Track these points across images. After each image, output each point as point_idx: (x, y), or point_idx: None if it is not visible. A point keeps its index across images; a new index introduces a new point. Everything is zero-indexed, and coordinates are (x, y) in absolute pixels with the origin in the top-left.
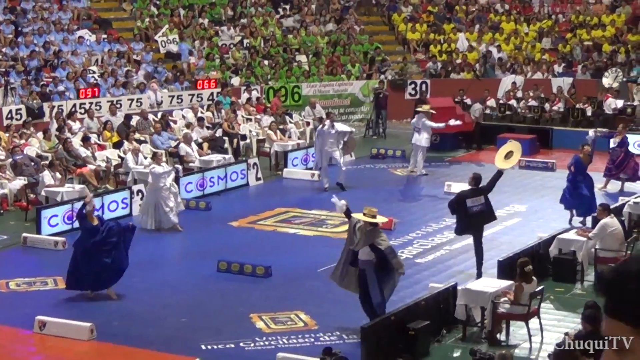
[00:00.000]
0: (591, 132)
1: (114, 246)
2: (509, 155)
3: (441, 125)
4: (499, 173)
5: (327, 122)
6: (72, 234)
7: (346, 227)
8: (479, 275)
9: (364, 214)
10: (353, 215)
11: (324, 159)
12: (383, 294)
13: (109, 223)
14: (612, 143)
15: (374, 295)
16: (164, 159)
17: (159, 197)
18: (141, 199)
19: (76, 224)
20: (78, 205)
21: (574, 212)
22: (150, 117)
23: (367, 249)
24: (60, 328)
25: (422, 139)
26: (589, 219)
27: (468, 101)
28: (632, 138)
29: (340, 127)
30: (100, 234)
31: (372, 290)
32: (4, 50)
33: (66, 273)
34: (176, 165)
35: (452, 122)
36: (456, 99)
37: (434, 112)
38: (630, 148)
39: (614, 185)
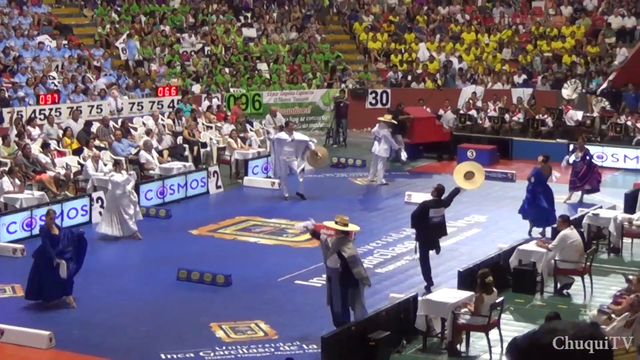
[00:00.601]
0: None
1: (72, 254)
2: (469, 175)
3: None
4: (457, 190)
5: (284, 131)
6: (31, 241)
7: (306, 236)
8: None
9: (336, 222)
10: (325, 223)
11: (283, 168)
12: (346, 304)
13: (65, 231)
14: (574, 157)
15: (336, 304)
16: (124, 166)
17: (119, 205)
18: (101, 206)
19: (35, 231)
20: (37, 212)
21: (532, 223)
22: (111, 124)
23: (335, 257)
24: (19, 336)
25: (382, 149)
26: (548, 230)
27: (440, 111)
28: (592, 149)
29: (298, 136)
30: (61, 242)
31: (334, 298)
32: None
33: (26, 282)
34: (130, 172)
35: (403, 155)
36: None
37: (395, 122)
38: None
39: (575, 197)
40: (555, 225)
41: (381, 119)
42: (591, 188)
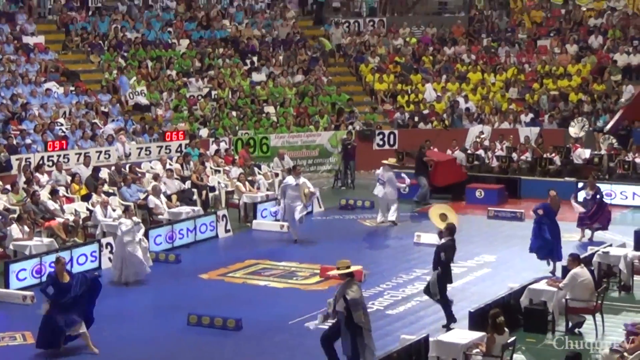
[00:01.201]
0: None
1: (85, 298)
2: (443, 217)
3: (403, 185)
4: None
5: (291, 176)
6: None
7: (316, 278)
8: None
9: (338, 269)
10: (329, 273)
11: (288, 212)
12: (356, 348)
13: (79, 276)
14: (585, 194)
15: (345, 347)
16: (134, 212)
17: (128, 251)
18: (110, 251)
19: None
20: (47, 259)
21: (537, 255)
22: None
23: (341, 301)
24: None
25: (388, 192)
26: (559, 268)
27: (448, 152)
28: (600, 187)
29: (303, 181)
30: (72, 289)
31: (343, 342)
32: None
33: (37, 331)
34: (134, 219)
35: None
36: (423, 150)
37: (398, 164)
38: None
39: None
40: (564, 263)
41: (385, 162)
42: (601, 226)
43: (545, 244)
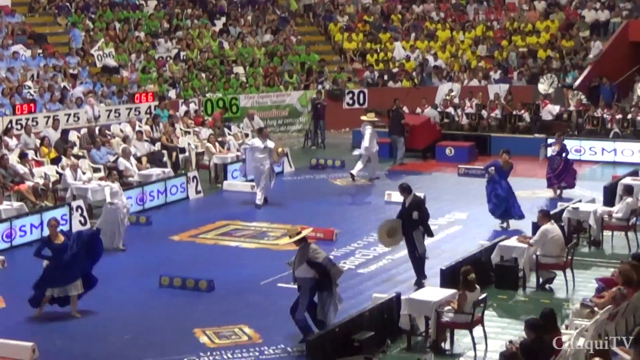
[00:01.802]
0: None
1: (84, 256)
2: (392, 232)
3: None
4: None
5: (258, 138)
6: (12, 251)
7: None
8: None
9: (289, 237)
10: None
11: (255, 175)
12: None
13: (73, 235)
14: (551, 151)
15: (300, 311)
16: (117, 176)
17: (119, 216)
18: (81, 214)
19: (16, 242)
20: (17, 223)
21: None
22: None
23: (304, 267)
24: (2, 348)
25: (369, 147)
26: (524, 225)
27: (418, 110)
28: (569, 143)
29: (271, 144)
30: (70, 248)
31: (301, 306)
32: None
33: (10, 293)
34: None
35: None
36: (393, 108)
37: (377, 119)
38: (570, 155)
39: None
40: (529, 219)
41: (364, 117)
42: (567, 185)
43: (499, 202)
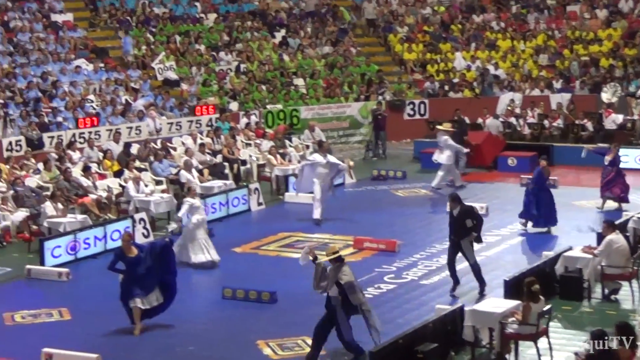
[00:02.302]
0: (584, 152)
1: (158, 268)
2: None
3: (465, 150)
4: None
5: (318, 153)
6: (76, 264)
7: (350, 249)
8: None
9: (326, 255)
10: (319, 255)
11: (318, 191)
12: (350, 332)
13: (146, 247)
14: (606, 161)
15: (345, 333)
16: (196, 191)
17: (201, 230)
18: (143, 227)
19: (80, 254)
20: (81, 235)
21: (531, 223)
22: (151, 144)
23: (334, 287)
24: None
25: (444, 157)
26: (588, 237)
27: (479, 120)
28: (633, 152)
29: (332, 158)
30: (143, 261)
31: (343, 328)
32: (1, 81)
33: (76, 304)
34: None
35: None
36: (454, 119)
37: (453, 129)
38: (630, 164)
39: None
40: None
41: (440, 127)
42: (613, 197)
43: (539, 212)
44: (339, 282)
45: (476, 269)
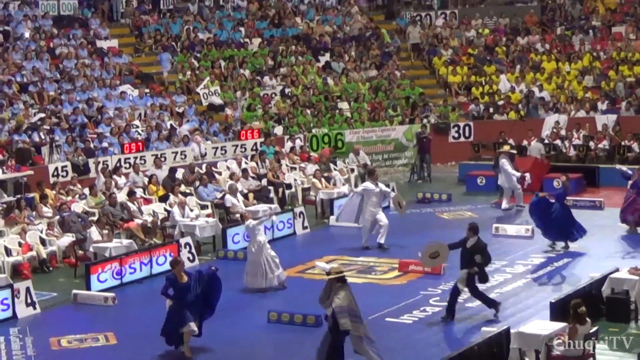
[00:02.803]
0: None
1: (204, 296)
2: (434, 255)
3: (517, 174)
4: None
5: (369, 181)
6: (122, 289)
7: (395, 272)
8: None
9: (331, 273)
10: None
11: (368, 218)
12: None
13: (195, 275)
14: (628, 184)
15: (319, 350)
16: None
17: (266, 253)
18: (189, 251)
19: (126, 279)
20: (127, 260)
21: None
22: (196, 169)
23: (330, 307)
24: None
25: (504, 180)
26: (635, 258)
27: (524, 142)
28: None
29: (382, 186)
30: (192, 288)
31: (322, 347)
32: (48, 108)
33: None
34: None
35: (527, 176)
36: (500, 140)
37: (514, 152)
38: None
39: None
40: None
41: (501, 149)
42: (635, 220)
43: (551, 225)
44: (331, 302)
45: (454, 294)
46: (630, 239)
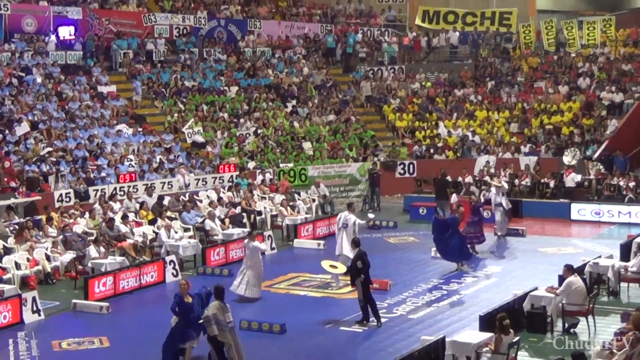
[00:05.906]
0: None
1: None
2: (334, 265)
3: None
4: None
5: (349, 212)
6: (116, 299)
7: (349, 288)
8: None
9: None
10: None
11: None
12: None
13: (196, 297)
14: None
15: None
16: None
17: (260, 270)
18: (173, 267)
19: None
20: (120, 275)
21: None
22: (181, 197)
23: None
24: None
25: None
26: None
27: (459, 178)
28: (589, 207)
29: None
30: (195, 309)
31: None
32: (55, 143)
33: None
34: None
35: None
36: (438, 177)
37: (503, 186)
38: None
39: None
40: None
41: (493, 183)
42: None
43: (451, 249)
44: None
45: (362, 306)
46: (548, 262)
